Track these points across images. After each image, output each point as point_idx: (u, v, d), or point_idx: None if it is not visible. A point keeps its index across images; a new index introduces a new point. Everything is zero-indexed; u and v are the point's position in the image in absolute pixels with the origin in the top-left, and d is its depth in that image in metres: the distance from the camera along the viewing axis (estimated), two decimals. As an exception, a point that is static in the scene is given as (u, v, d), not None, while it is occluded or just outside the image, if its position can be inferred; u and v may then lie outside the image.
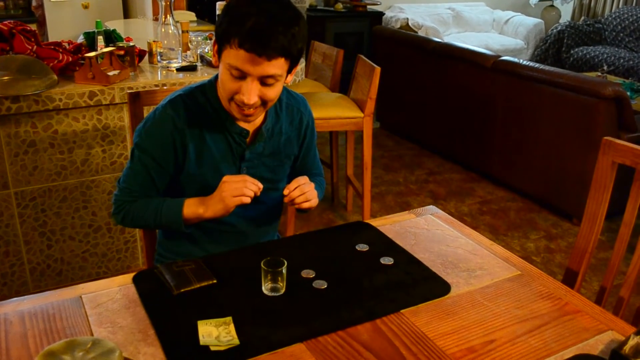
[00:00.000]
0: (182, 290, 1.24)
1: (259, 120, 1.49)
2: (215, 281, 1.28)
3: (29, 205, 2.36)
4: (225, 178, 1.39)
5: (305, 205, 1.46)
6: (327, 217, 3.33)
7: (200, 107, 1.45)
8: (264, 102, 1.36)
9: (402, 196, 3.75)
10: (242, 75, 1.30)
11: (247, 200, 1.38)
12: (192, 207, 1.44)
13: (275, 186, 1.60)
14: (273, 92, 1.35)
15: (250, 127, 1.48)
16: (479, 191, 3.89)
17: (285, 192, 1.44)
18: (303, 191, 1.44)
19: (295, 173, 1.66)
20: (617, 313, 1.49)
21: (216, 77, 1.48)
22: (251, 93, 1.31)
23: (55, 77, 2.25)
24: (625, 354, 1.07)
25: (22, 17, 4.73)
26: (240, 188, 1.36)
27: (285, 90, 1.57)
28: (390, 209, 3.55)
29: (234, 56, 1.28)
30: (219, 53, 1.35)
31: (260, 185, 1.40)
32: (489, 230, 3.31)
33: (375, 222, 1.60)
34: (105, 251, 2.59)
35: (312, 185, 1.48)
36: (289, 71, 1.38)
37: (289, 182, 1.67)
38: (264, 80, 1.31)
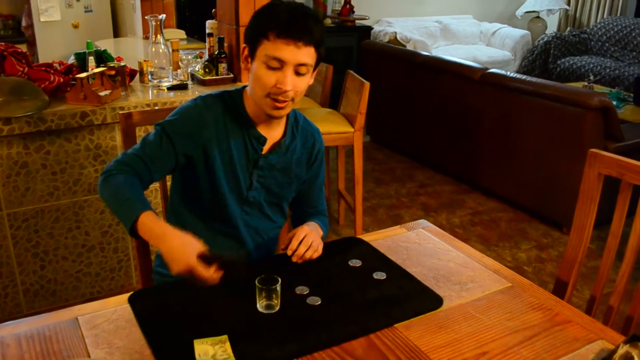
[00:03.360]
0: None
1: (277, 135, 1.56)
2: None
3: (22, 227, 2.37)
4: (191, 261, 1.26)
5: (315, 256, 1.49)
6: (319, 232, 3.34)
7: (228, 107, 1.52)
8: (294, 94, 1.43)
9: (394, 209, 3.77)
10: (279, 66, 1.39)
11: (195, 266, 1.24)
12: (149, 224, 1.32)
13: (280, 203, 1.65)
14: (303, 84, 1.44)
15: (269, 137, 1.54)
16: (469, 202, 3.92)
17: (289, 252, 1.46)
18: (307, 245, 1.47)
19: (299, 199, 1.70)
20: (607, 321, 1.51)
21: (243, 87, 1.55)
22: (288, 79, 1.39)
23: (47, 98, 2.26)
24: (614, 363, 1.10)
25: (11, 38, 4.75)
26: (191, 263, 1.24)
27: (303, 117, 1.65)
28: (382, 222, 3.57)
29: (272, 47, 1.37)
30: (253, 52, 1.43)
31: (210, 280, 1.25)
32: (481, 241, 3.34)
33: (368, 237, 1.62)
34: (98, 271, 2.59)
35: (313, 233, 1.51)
36: (312, 70, 1.47)
37: (293, 211, 1.73)
38: (297, 70, 1.40)
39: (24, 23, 4.65)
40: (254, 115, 1.51)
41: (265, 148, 1.54)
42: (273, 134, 1.55)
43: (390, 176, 4.36)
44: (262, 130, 1.53)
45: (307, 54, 1.39)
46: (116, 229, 2.55)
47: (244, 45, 1.48)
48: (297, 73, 1.41)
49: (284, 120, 1.57)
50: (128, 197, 1.38)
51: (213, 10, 3.08)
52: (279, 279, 1.25)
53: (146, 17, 2.62)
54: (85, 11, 4.66)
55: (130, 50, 3.96)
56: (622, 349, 1.12)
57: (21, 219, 2.35)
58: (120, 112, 1.78)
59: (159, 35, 2.62)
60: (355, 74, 3.10)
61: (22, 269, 2.42)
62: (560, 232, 3.50)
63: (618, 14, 6.78)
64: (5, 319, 2.44)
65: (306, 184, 1.68)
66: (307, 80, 1.46)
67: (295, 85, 1.41)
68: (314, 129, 1.67)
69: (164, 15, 2.64)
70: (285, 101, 1.43)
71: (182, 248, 1.25)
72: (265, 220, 1.64)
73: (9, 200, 2.31)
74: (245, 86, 1.55)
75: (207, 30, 2.88)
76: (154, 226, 1.30)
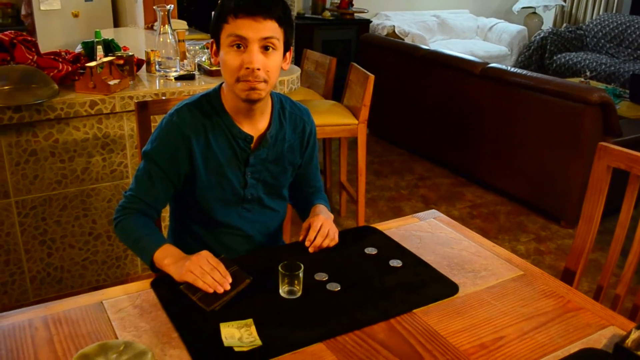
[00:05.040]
0: (216, 304, 1.24)
1: (263, 126, 1.54)
2: (250, 279, 1.31)
3: (30, 214, 2.38)
4: (203, 253, 1.36)
5: (332, 244, 1.51)
6: (321, 223, 3.37)
7: (206, 113, 1.50)
8: (266, 75, 1.39)
9: (394, 201, 3.81)
10: (243, 45, 1.37)
11: (200, 284, 1.29)
12: (163, 254, 1.40)
13: (279, 192, 1.66)
14: (273, 63, 1.40)
15: (254, 133, 1.52)
16: (468, 195, 3.97)
17: (307, 243, 1.48)
18: (324, 235, 1.49)
19: (296, 182, 1.72)
20: (614, 310, 1.55)
21: (220, 85, 1.54)
22: (254, 56, 1.36)
23: (57, 86, 2.27)
24: (628, 347, 1.13)
25: (10, 26, 4.73)
26: (202, 273, 1.30)
27: (289, 100, 1.63)
28: (383, 214, 3.60)
29: (232, 27, 1.36)
30: (218, 40, 1.42)
31: (225, 285, 1.29)
32: (480, 233, 3.33)
33: (381, 227, 1.65)
34: (105, 259, 2.61)
35: (328, 221, 1.53)
36: (284, 50, 1.45)
37: (291, 193, 1.74)
38: (264, 44, 1.37)
39: (23, 11, 4.63)
40: (235, 112, 1.49)
41: (253, 143, 1.53)
42: (259, 126, 1.53)
43: (390, 169, 4.39)
44: (247, 126, 1.51)
45: (269, 28, 1.36)
46: (123, 218, 2.57)
47: (211, 41, 1.47)
48: (265, 48, 1.37)
49: (268, 110, 1.54)
50: (139, 239, 1.47)
51: (219, 0, 3.08)
52: (302, 266, 1.28)
53: (154, 7, 2.63)
54: (86, 0, 4.65)
55: (131, 40, 3.94)
56: (635, 334, 1.16)
57: (29, 206, 2.36)
58: (135, 100, 1.79)
59: (166, 25, 2.63)
60: (359, 67, 3.12)
61: (29, 256, 2.43)
62: (559, 225, 3.55)
63: (614, 11, 6.84)
64: (12, 306, 2.46)
65: (302, 167, 1.68)
66: (277, 59, 1.41)
67: (265, 64, 1.37)
68: (303, 111, 1.64)
69: (172, 6, 2.65)
70: (258, 82, 1.38)
71: (191, 257, 1.35)
72: (267, 212, 1.65)
73: (17, 188, 2.32)
74: (222, 83, 1.53)
75: (214, 21, 2.89)
76: (165, 261, 1.38)
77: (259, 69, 1.37)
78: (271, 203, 1.65)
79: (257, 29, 1.35)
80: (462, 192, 4.01)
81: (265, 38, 1.36)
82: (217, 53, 1.46)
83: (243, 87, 1.39)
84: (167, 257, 1.38)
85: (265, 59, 1.37)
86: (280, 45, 1.41)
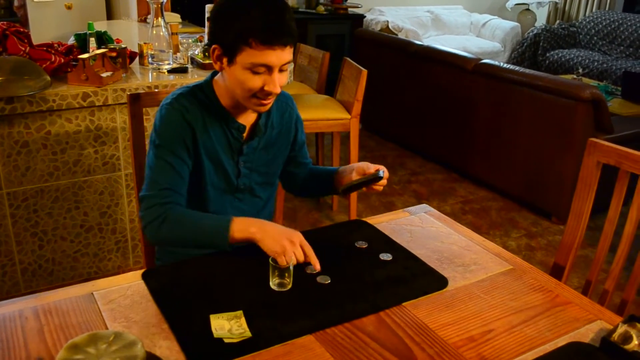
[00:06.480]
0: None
1: (253, 116, 1.57)
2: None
3: (21, 206, 2.37)
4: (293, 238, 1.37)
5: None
6: (313, 217, 3.38)
7: (201, 103, 1.51)
8: (278, 91, 1.45)
9: (386, 196, 3.82)
10: (265, 70, 1.39)
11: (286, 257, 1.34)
12: (242, 225, 1.41)
13: (270, 180, 1.67)
14: (286, 77, 1.45)
15: (246, 122, 1.55)
16: (460, 191, 3.98)
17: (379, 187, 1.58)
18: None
19: (291, 164, 1.74)
20: (602, 304, 1.56)
21: (211, 76, 1.55)
22: (277, 82, 1.41)
23: (49, 78, 2.26)
24: (614, 341, 1.15)
25: (3, 18, 4.70)
26: (289, 250, 1.35)
27: None
28: (375, 208, 3.61)
29: (257, 55, 1.36)
30: (231, 57, 1.39)
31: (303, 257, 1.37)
32: (472, 229, 3.36)
33: (372, 220, 1.66)
34: (96, 251, 2.61)
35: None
36: None
37: (287, 176, 1.76)
38: (281, 68, 1.41)
39: (16, 3, 4.60)
40: (231, 106, 1.51)
41: (246, 133, 1.56)
42: (250, 116, 1.56)
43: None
44: (239, 116, 1.53)
45: (289, 52, 1.40)
46: (115, 210, 2.57)
47: (215, 46, 1.43)
48: (281, 70, 1.42)
49: None
50: (201, 222, 1.43)
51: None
52: (293, 258, 1.28)
53: (148, 0, 2.62)
54: (78, -8, 4.62)
55: (125, 33, 3.93)
56: (621, 329, 1.18)
57: (21, 198, 2.36)
58: (128, 92, 1.79)
59: (159, 18, 2.62)
60: (352, 62, 3.13)
61: (20, 248, 2.43)
62: (549, 221, 3.57)
63: (607, 8, 6.86)
64: (3, 298, 2.45)
65: (295, 150, 1.71)
66: (288, 72, 1.47)
67: (281, 82, 1.43)
68: (287, 97, 1.67)
69: (165, -2, 2.64)
70: (272, 98, 1.45)
71: (278, 229, 1.39)
72: (257, 201, 1.67)
73: (9, 180, 2.31)
74: (213, 74, 1.54)
75: (207, 14, 2.88)
76: (246, 228, 1.39)
77: (279, 91, 1.43)
78: (261, 192, 1.67)
79: (282, 57, 1.38)
80: (454, 188, 4.03)
81: (285, 63, 1.41)
82: (222, 60, 1.43)
83: (257, 102, 1.44)
84: (253, 226, 1.39)
85: (282, 77, 1.42)
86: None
